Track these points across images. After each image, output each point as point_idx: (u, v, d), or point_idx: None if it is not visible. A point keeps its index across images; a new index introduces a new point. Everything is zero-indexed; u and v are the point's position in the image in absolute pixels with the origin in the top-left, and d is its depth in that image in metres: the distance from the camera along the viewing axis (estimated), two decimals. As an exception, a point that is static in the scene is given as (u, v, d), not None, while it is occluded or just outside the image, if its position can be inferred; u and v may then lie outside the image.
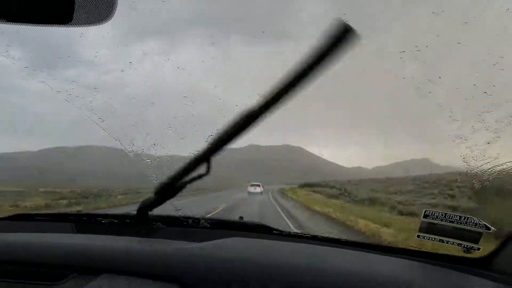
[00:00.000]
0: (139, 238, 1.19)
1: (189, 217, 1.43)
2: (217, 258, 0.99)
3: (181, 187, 1.15)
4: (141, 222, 1.34)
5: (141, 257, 0.99)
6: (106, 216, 1.45)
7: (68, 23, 0.87)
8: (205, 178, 1.11)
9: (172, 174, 1.13)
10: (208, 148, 1.05)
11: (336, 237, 1.38)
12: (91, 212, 1.53)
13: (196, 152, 1.07)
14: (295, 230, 1.56)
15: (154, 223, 1.35)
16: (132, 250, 1.04)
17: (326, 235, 1.38)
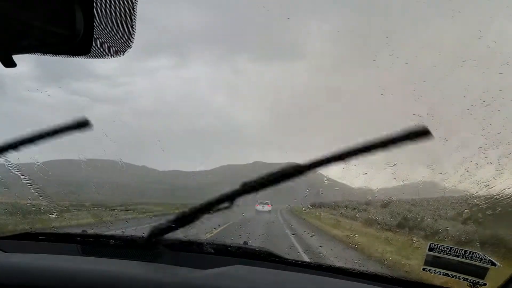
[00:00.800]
0: (143, 263, 1.18)
1: (193, 242, 1.42)
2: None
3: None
4: (146, 246, 1.33)
5: (144, 284, 0.99)
6: (112, 237, 1.44)
7: (86, 55, 0.89)
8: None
9: (195, 206, 1.15)
10: (236, 191, 1.10)
11: (346, 266, 1.36)
12: (97, 233, 1.52)
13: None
14: (303, 258, 1.51)
15: (159, 247, 1.34)
16: (136, 276, 1.03)
17: (334, 264, 1.36)
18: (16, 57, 0.87)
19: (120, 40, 0.91)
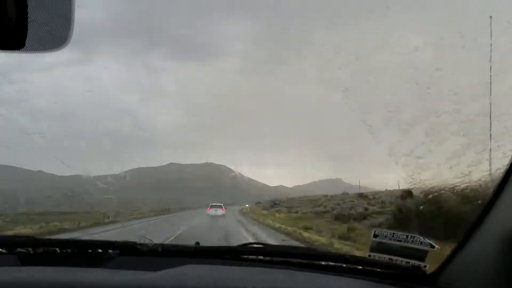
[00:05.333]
0: (91, 269, 1.16)
1: (143, 244, 1.38)
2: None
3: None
4: (94, 252, 1.28)
5: None
6: (50, 243, 1.36)
7: (20, 49, 0.86)
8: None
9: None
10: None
11: (289, 259, 1.38)
12: (42, 239, 1.44)
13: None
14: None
15: (106, 250, 1.29)
16: (84, 283, 1.01)
17: (283, 258, 1.37)
18: None
19: (57, 33, 0.89)
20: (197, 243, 1.62)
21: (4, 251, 1.34)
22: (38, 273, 1.12)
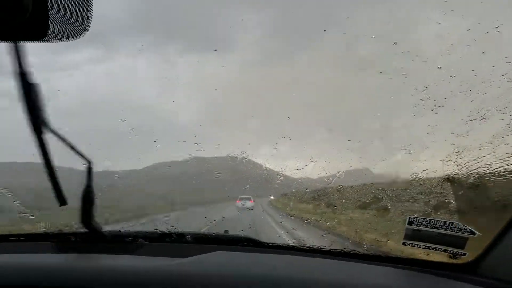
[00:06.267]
0: (123, 256, 1.21)
1: (172, 233, 1.43)
2: (199, 274, 1.01)
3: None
4: (125, 240, 1.35)
5: (124, 276, 1.00)
6: (90, 233, 1.39)
7: (42, 39, 0.89)
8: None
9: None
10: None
11: (322, 247, 1.38)
12: (74, 230, 1.50)
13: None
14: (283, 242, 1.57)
15: (137, 239, 1.36)
16: (116, 269, 1.05)
17: (312, 245, 1.37)
18: None
19: (77, 21, 0.91)
20: (226, 231, 1.65)
21: (49, 240, 1.44)
22: (78, 259, 1.19)
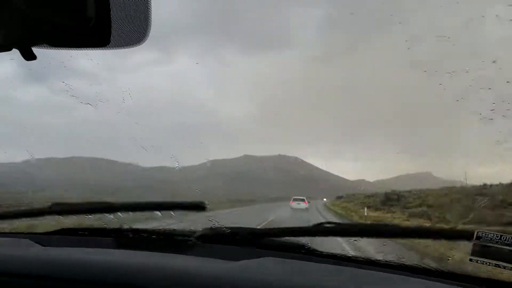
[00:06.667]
0: (175, 255, 1.25)
1: (225, 234, 1.44)
2: (250, 279, 1.01)
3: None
4: (178, 238, 1.38)
5: (174, 275, 1.02)
6: (146, 231, 1.49)
7: (105, 46, 0.94)
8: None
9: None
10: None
11: (381, 259, 1.30)
12: (132, 227, 1.57)
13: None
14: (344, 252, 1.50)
15: (191, 239, 1.39)
16: (167, 268, 1.08)
17: (371, 257, 1.31)
18: (7, 56, 0.94)
19: (138, 28, 0.95)
20: None
21: (100, 236, 1.53)
22: (129, 256, 1.23)
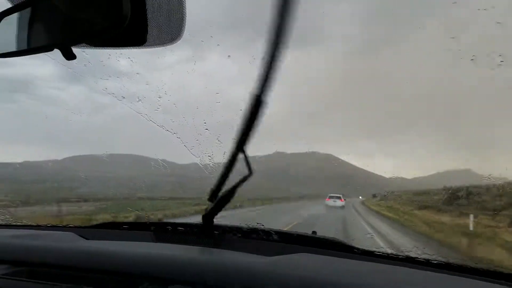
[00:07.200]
0: (209, 249, 1.28)
1: (258, 229, 1.46)
2: (284, 274, 1.00)
3: (233, 191, 1.25)
4: (213, 233, 1.42)
5: (211, 269, 1.05)
6: (183, 225, 1.57)
7: (142, 45, 0.97)
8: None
9: (217, 179, 1.21)
10: (237, 141, 1.12)
11: (421, 257, 1.26)
12: (169, 221, 1.65)
13: (227, 155, 1.17)
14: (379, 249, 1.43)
15: (225, 234, 1.42)
16: (201, 261, 1.11)
17: (410, 254, 1.28)
18: (47, 56, 0.99)
19: (172, 27, 0.98)
20: (314, 232, 1.61)
21: (140, 230, 1.61)
22: (166, 249, 1.28)
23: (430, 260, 1.22)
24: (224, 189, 1.23)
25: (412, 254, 1.28)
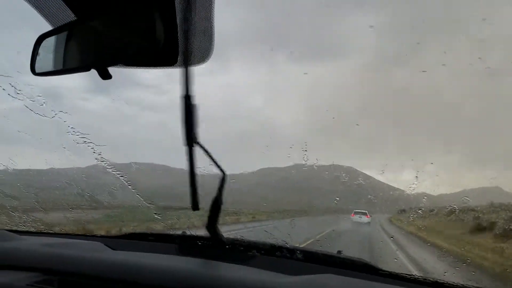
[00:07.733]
0: (232, 265, 1.26)
1: (283, 247, 1.44)
2: None
3: (219, 195, 1.28)
4: (237, 248, 1.42)
5: (232, 285, 1.04)
6: (206, 239, 1.55)
7: (173, 65, 1.02)
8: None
9: (189, 186, 1.21)
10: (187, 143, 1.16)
11: (450, 281, 1.23)
12: (193, 234, 1.66)
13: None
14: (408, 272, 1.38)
15: (250, 250, 1.41)
16: (224, 277, 1.10)
17: (439, 279, 1.24)
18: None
19: (202, 48, 1.02)
20: (339, 251, 1.58)
21: (166, 242, 1.62)
22: (188, 263, 1.27)
23: (460, 285, 1.19)
24: (204, 195, 1.23)
25: (441, 280, 1.24)
